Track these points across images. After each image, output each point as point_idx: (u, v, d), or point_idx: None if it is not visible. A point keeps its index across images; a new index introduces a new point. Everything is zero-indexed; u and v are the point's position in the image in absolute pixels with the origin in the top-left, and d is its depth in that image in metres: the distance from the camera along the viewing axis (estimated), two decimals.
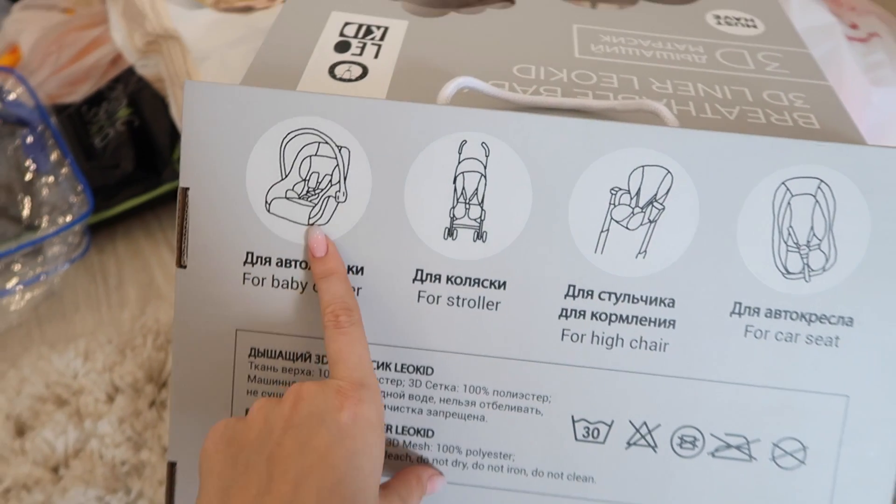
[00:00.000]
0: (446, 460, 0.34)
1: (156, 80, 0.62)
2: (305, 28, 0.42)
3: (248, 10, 0.57)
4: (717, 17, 0.48)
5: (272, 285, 0.33)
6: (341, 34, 0.42)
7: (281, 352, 0.33)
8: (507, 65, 0.40)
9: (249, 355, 0.33)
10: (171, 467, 0.34)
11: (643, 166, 0.31)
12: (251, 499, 0.25)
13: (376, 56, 0.40)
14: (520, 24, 0.45)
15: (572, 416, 0.33)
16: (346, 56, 0.40)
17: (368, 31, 0.42)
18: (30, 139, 0.65)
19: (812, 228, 0.31)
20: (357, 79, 0.38)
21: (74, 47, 0.81)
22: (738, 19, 0.47)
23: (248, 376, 0.33)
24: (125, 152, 0.69)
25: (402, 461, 0.34)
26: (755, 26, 0.47)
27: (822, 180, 0.31)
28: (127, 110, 0.72)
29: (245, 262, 0.32)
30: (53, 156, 0.65)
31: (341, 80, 0.38)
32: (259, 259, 0.32)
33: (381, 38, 0.42)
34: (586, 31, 0.44)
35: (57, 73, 0.79)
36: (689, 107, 0.38)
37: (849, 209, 0.31)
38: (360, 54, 0.40)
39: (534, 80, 0.39)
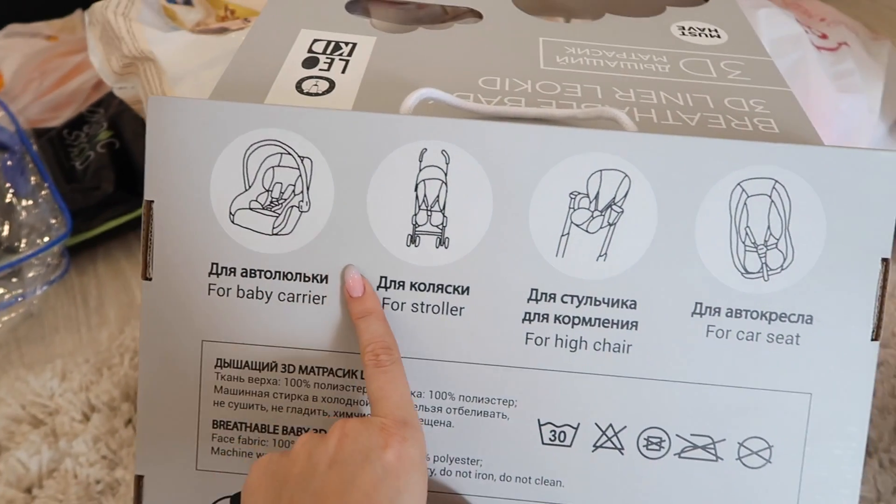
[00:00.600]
0: None
1: (134, 101, 0.63)
2: (274, 45, 0.42)
3: (222, 31, 0.58)
4: (682, 28, 0.49)
5: (237, 296, 0.33)
6: (310, 50, 0.42)
7: (247, 362, 0.33)
8: (472, 77, 0.41)
9: (216, 366, 0.33)
10: (139, 480, 0.34)
11: (601, 170, 0.32)
12: None
13: (343, 71, 0.41)
14: (486, 38, 0.45)
15: (538, 420, 0.33)
16: (314, 71, 0.40)
17: (337, 48, 0.43)
18: (9, 163, 0.65)
19: (769, 228, 0.32)
20: (324, 93, 0.39)
21: (57, 73, 0.82)
22: (702, 30, 0.48)
23: (215, 387, 0.33)
24: (106, 174, 0.70)
25: None
26: (719, 36, 0.48)
27: (776, 181, 0.32)
28: (107, 133, 0.72)
29: (210, 273, 0.33)
30: (33, 179, 0.65)
31: (308, 94, 0.38)
32: (224, 270, 0.33)
33: (349, 54, 0.42)
34: (552, 43, 0.45)
35: (40, 99, 0.80)
36: (651, 114, 0.38)
37: (804, 208, 0.32)
38: (328, 69, 0.41)
39: (498, 91, 0.40)
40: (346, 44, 0.43)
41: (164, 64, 0.54)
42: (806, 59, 0.62)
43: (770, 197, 0.32)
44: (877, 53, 0.71)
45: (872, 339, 0.32)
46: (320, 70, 0.40)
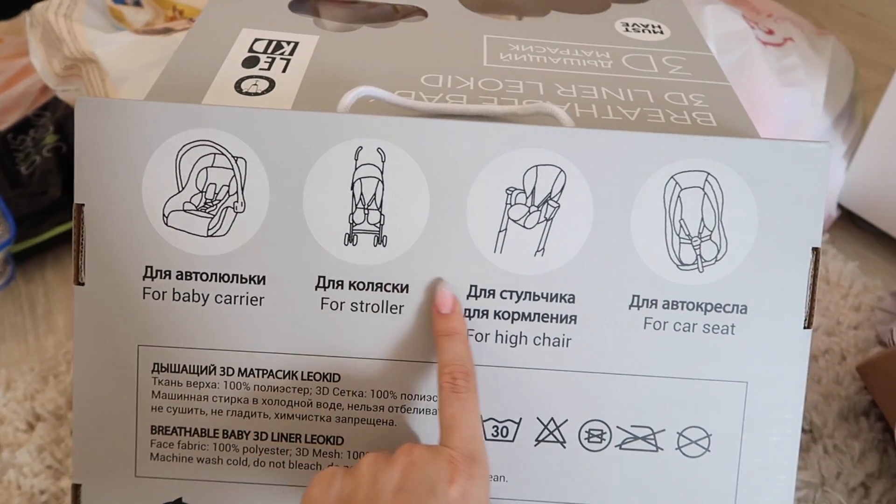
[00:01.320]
0: None
1: None
2: (215, 45, 0.42)
3: (167, 31, 0.57)
4: (626, 24, 0.49)
5: (173, 299, 0.32)
6: (250, 50, 0.42)
7: (185, 366, 0.33)
8: (415, 75, 0.41)
9: (152, 370, 0.33)
10: (76, 489, 0.33)
11: (537, 166, 0.32)
12: None
13: (284, 70, 0.40)
14: (431, 36, 0.45)
15: (480, 416, 0.33)
16: (254, 71, 0.40)
17: (278, 47, 0.42)
18: None
19: (702, 220, 0.32)
20: (263, 92, 0.38)
21: (3, 76, 0.80)
22: (645, 26, 0.49)
23: (153, 392, 0.33)
24: (52, 179, 0.68)
25: (312, 470, 0.33)
26: (662, 32, 0.48)
27: (709, 173, 0.32)
28: (54, 137, 0.71)
29: (144, 277, 0.32)
30: None
31: (247, 94, 0.38)
32: (159, 273, 0.32)
33: (291, 53, 0.42)
34: (496, 40, 0.45)
35: None
36: (592, 109, 0.39)
37: (736, 200, 0.32)
38: (269, 69, 0.40)
39: (440, 88, 0.40)
40: (288, 43, 0.43)
41: (106, 65, 0.53)
42: (751, 54, 0.63)
43: (703, 189, 0.32)
44: (821, 48, 0.72)
45: (805, 328, 0.33)
46: (260, 69, 0.40)
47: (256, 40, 0.43)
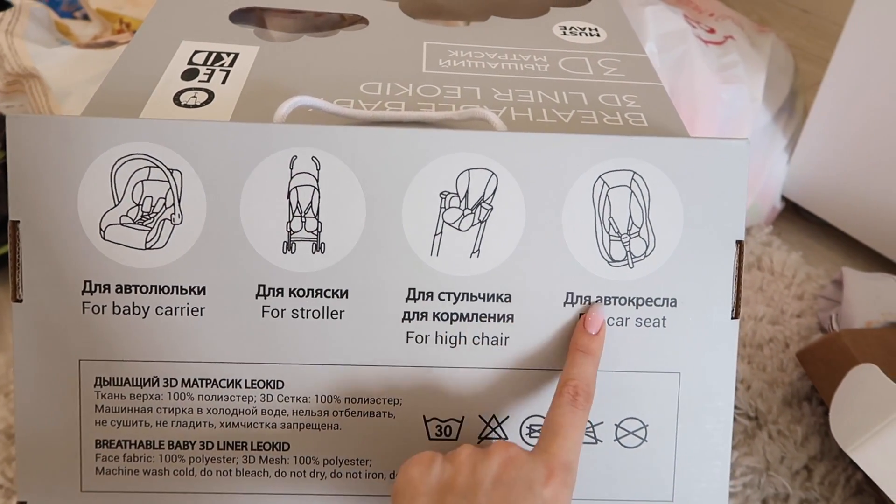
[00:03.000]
0: (304, 472, 0.34)
1: None
2: (154, 57, 0.42)
3: (110, 45, 0.57)
4: (564, 28, 0.50)
5: (113, 312, 0.32)
6: (190, 62, 0.42)
7: (128, 378, 0.33)
8: (354, 83, 0.41)
9: (95, 385, 0.33)
10: None
11: (469, 169, 0.33)
12: None
13: (224, 82, 0.41)
14: (371, 44, 0.46)
15: (424, 416, 0.34)
16: (193, 83, 0.40)
17: (218, 58, 0.43)
18: None
19: (630, 217, 0.33)
20: (202, 104, 0.39)
21: None
22: (582, 29, 0.50)
23: (96, 406, 0.33)
24: (2, 196, 0.67)
25: (259, 477, 0.34)
26: (598, 35, 0.49)
27: (635, 172, 0.33)
28: (3, 153, 0.70)
29: (84, 291, 0.32)
30: None
31: (186, 106, 0.38)
32: (98, 287, 0.32)
33: (231, 65, 0.42)
34: (435, 47, 0.46)
35: None
36: (528, 113, 0.40)
37: (662, 197, 0.33)
38: (208, 80, 0.40)
39: (379, 96, 0.40)
40: (228, 54, 0.43)
41: (48, 80, 0.53)
42: (690, 52, 0.65)
43: (630, 188, 0.33)
44: (761, 45, 0.74)
45: (733, 318, 0.34)
46: (200, 81, 0.40)
47: (196, 52, 0.43)
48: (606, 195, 0.33)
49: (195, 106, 0.38)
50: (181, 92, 0.39)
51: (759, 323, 0.60)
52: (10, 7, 0.66)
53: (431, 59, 0.45)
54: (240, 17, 0.49)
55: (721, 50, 0.71)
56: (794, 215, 0.76)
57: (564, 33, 0.49)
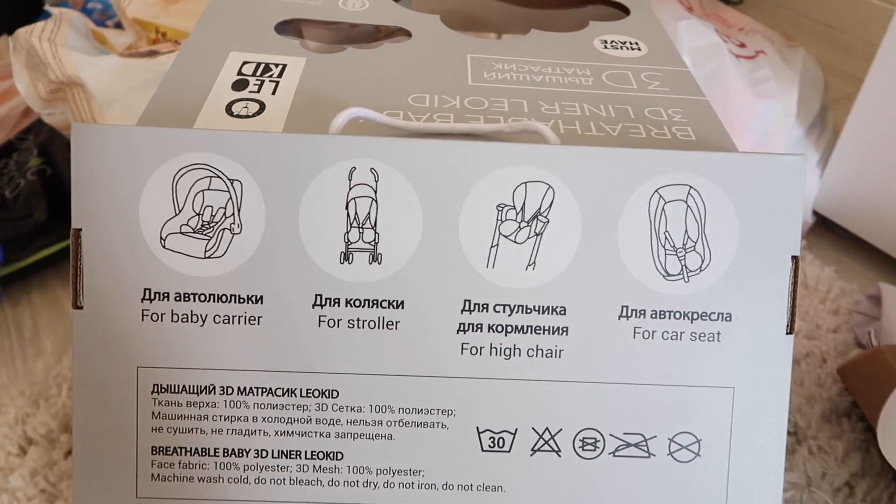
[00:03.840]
0: (357, 482, 0.34)
1: (64, 127, 0.62)
2: (203, 68, 0.42)
3: (152, 54, 0.57)
4: (605, 41, 0.50)
5: (171, 320, 0.33)
6: (239, 73, 0.42)
7: (184, 386, 0.33)
8: (402, 95, 0.42)
9: (152, 392, 0.33)
10: None
11: (525, 182, 0.33)
12: None
13: (274, 92, 0.41)
14: (416, 57, 0.46)
15: (477, 428, 0.34)
16: (244, 94, 0.41)
17: (267, 69, 0.43)
18: None
19: (686, 232, 0.33)
20: (254, 115, 0.39)
21: None
22: (623, 43, 0.50)
23: (153, 413, 0.33)
24: (37, 202, 0.68)
25: (312, 486, 0.34)
26: (639, 49, 0.50)
27: (691, 186, 0.33)
28: (38, 160, 0.71)
29: (143, 299, 0.33)
30: None
31: (238, 116, 0.39)
32: (157, 295, 0.33)
33: (279, 76, 0.43)
34: (480, 60, 0.47)
35: None
36: (576, 126, 0.40)
37: (718, 212, 0.33)
38: (258, 91, 0.41)
39: (428, 108, 0.40)
40: (276, 65, 0.44)
41: (92, 89, 0.54)
42: (724, 67, 0.65)
43: (686, 202, 0.33)
44: (791, 60, 0.74)
45: (787, 333, 0.34)
46: (250, 92, 0.41)
47: (245, 63, 0.43)
48: (662, 209, 0.33)
49: (247, 116, 0.39)
50: (233, 102, 0.40)
51: (795, 338, 0.59)
52: (49, 16, 0.67)
53: (476, 71, 0.45)
54: (283, 28, 0.50)
55: (753, 65, 0.71)
56: (826, 230, 0.76)
57: (606, 47, 0.50)
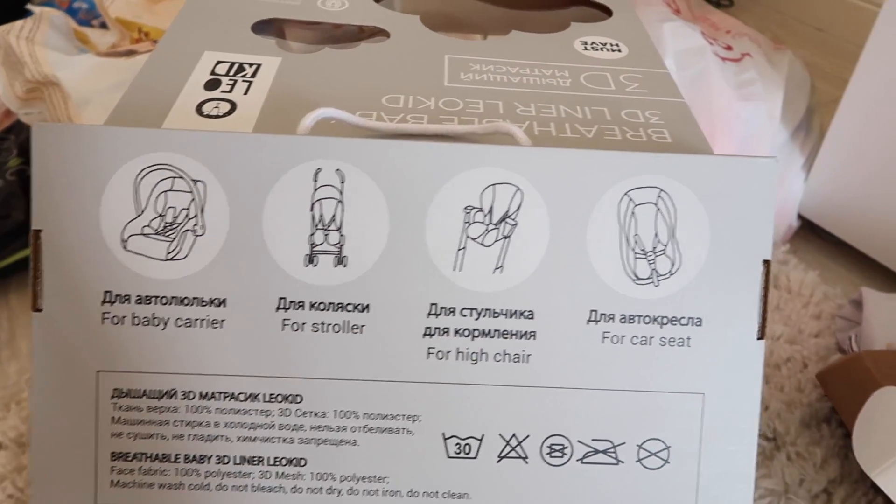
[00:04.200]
0: (321, 488, 0.33)
1: None
2: (176, 67, 0.42)
3: (130, 53, 0.57)
4: (585, 43, 0.50)
5: (132, 323, 0.32)
6: (212, 72, 0.42)
7: (145, 390, 0.33)
8: (376, 95, 0.41)
9: (112, 396, 0.32)
10: None
11: (494, 184, 0.33)
12: None
13: (246, 92, 0.40)
14: (393, 57, 0.46)
15: (443, 434, 0.33)
16: (216, 93, 0.40)
17: (240, 69, 0.43)
18: None
19: (656, 235, 0.33)
20: (225, 115, 0.38)
21: None
22: (604, 44, 0.50)
23: (113, 418, 0.33)
24: (16, 202, 0.67)
25: (275, 493, 0.33)
26: (620, 50, 0.49)
27: (661, 189, 0.33)
28: (17, 160, 0.70)
29: (103, 302, 0.32)
30: None
31: (209, 116, 0.38)
32: (118, 297, 0.32)
33: (253, 76, 0.42)
34: (457, 60, 0.46)
35: None
36: (551, 127, 0.39)
37: (688, 215, 0.33)
38: (230, 91, 0.40)
39: (402, 108, 0.40)
40: (251, 65, 0.43)
41: (68, 88, 0.53)
42: (709, 69, 0.64)
43: (656, 205, 0.33)
44: (778, 63, 0.74)
45: (758, 338, 0.34)
46: (222, 92, 0.40)
47: (219, 63, 0.43)
48: (632, 212, 0.33)
49: (218, 116, 0.38)
50: (204, 102, 0.39)
51: (776, 342, 0.59)
52: (31, 15, 0.67)
53: (453, 72, 0.45)
54: (261, 28, 0.49)
55: (738, 67, 0.70)
56: (811, 234, 0.76)
57: (586, 48, 0.49)
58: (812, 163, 0.72)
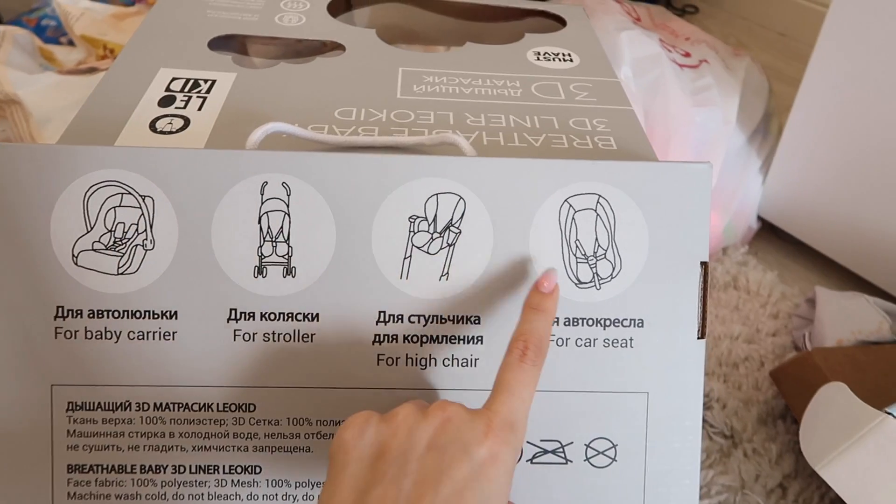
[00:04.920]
0: (276, 495, 0.34)
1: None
2: (131, 84, 0.42)
3: (91, 71, 0.57)
4: (538, 53, 0.51)
5: (85, 337, 0.33)
6: (167, 89, 0.43)
7: (100, 403, 0.33)
8: (329, 108, 0.42)
9: (67, 410, 0.33)
10: None
11: (437, 194, 0.34)
12: None
13: (200, 108, 0.41)
14: (347, 70, 0.47)
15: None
16: (170, 110, 0.41)
17: (195, 85, 0.43)
18: None
19: (597, 240, 0.34)
20: (178, 131, 0.39)
21: None
22: (556, 54, 0.51)
23: (68, 431, 0.33)
24: None
25: (231, 501, 0.34)
26: (571, 60, 0.51)
27: (600, 195, 0.34)
28: None
29: (56, 317, 0.33)
30: None
31: (162, 133, 0.39)
32: (70, 312, 0.33)
33: (208, 91, 0.43)
34: (411, 73, 0.47)
35: None
36: (499, 137, 0.40)
37: (627, 220, 0.34)
38: (184, 107, 0.41)
39: (353, 121, 0.41)
40: (205, 81, 0.44)
41: (30, 106, 0.53)
42: (665, 76, 0.66)
43: (595, 211, 0.34)
44: (735, 69, 0.76)
45: (699, 338, 0.35)
46: (176, 108, 0.41)
47: (174, 79, 0.44)
48: (573, 218, 0.34)
49: (171, 132, 0.39)
50: (157, 119, 0.40)
51: (734, 342, 0.60)
52: None
53: (406, 84, 0.45)
54: (220, 44, 0.50)
55: (695, 73, 0.72)
56: (771, 235, 0.77)
57: (538, 59, 0.50)
58: (770, 165, 0.74)
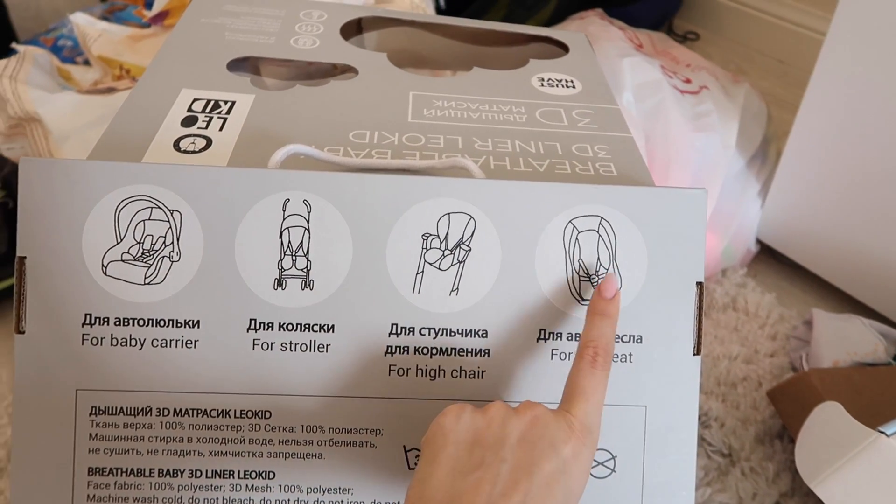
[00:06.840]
0: (288, 500, 0.35)
1: None
2: (155, 105, 0.44)
3: (110, 91, 0.59)
4: (542, 79, 0.53)
5: (111, 344, 0.34)
6: (189, 109, 0.45)
7: (122, 408, 0.35)
8: (344, 131, 0.44)
9: (90, 414, 0.34)
10: None
11: (449, 213, 0.35)
12: (485, 497, 0.27)
13: (221, 129, 0.43)
14: (360, 93, 0.49)
15: (404, 447, 0.36)
16: (192, 130, 0.43)
17: (216, 106, 0.45)
18: None
19: (598, 259, 0.36)
20: (201, 150, 0.41)
21: None
22: (559, 81, 0.53)
23: (90, 434, 0.35)
24: (1, 234, 0.69)
25: None
26: (574, 86, 0.53)
27: (602, 217, 0.36)
28: (0, 193, 0.72)
29: (84, 324, 0.34)
30: None
31: (185, 152, 0.41)
32: (97, 320, 0.34)
33: (228, 112, 0.45)
34: (421, 97, 0.49)
35: None
36: (506, 161, 0.42)
37: (627, 241, 0.36)
38: (206, 128, 0.43)
39: (367, 144, 0.43)
40: (226, 102, 0.46)
41: (49, 124, 0.55)
42: (666, 101, 0.68)
43: (598, 232, 0.36)
44: (734, 95, 0.78)
45: (695, 354, 0.36)
46: (198, 128, 0.43)
47: (195, 100, 0.46)
48: (576, 238, 0.36)
49: (194, 152, 0.41)
50: (181, 138, 0.42)
51: (733, 362, 0.62)
52: (15, 53, 0.69)
53: (417, 108, 0.47)
54: (236, 65, 0.52)
55: (696, 99, 0.74)
56: (770, 258, 0.79)
57: (542, 84, 0.52)
58: (768, 190, 0.76)
